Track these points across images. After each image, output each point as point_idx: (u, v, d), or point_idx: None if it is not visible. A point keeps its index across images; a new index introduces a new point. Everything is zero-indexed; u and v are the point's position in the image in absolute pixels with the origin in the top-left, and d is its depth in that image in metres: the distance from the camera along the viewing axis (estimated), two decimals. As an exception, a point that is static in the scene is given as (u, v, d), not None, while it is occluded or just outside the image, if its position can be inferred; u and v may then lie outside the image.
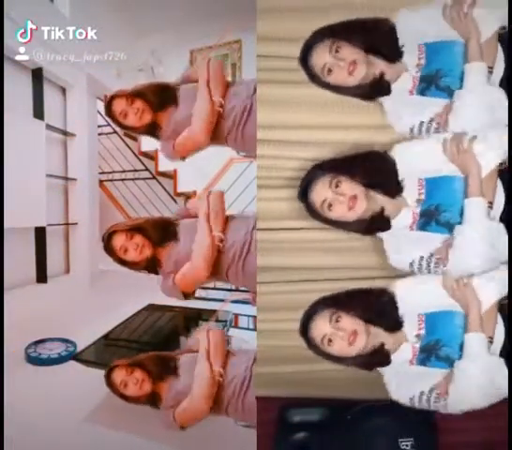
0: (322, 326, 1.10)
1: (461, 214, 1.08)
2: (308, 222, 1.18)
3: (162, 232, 1.34)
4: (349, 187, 1.07)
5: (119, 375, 1.39)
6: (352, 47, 1.08)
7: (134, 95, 1.34)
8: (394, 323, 1.12)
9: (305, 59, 1.12)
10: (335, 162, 1.11)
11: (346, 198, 1.06)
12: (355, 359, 1.11)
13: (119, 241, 1.31)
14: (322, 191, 1.08)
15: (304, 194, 1.11)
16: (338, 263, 1.26)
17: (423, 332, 1.11)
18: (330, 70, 1.09)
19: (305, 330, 1.13)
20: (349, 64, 1.08)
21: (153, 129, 1.40)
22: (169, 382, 1.37)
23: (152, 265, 1.36)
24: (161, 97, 1.36)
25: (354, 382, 1.29)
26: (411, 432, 1.22)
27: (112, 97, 1.36)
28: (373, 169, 1.10)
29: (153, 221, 1.37)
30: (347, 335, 1.08)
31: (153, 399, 1.40)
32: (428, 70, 1.11)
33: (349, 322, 1.09)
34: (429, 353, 1.11)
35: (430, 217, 1.10)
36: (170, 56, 4.80)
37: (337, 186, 1.07)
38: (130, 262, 1.34)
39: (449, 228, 1.09)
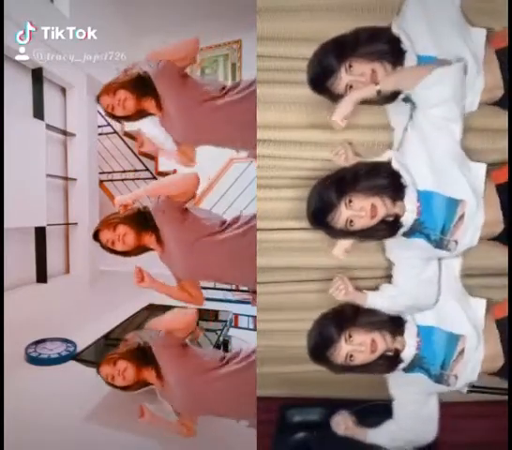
0: (340, 349, 1.12)
1: (443, 231, 1.10)
2: (308, 223, 1.17)
3: (142, 218, 1.38)
4: (363, 200, 1.07)
5: (105, 370, 1.43)
6: (361, 59, 1.09)
7: (115, 87, 1.38)
8: (395, 328, 1.16)
9: (320, 84, 1.13)
10: (337, 181, 1.11)
11: (366, 211, 1.07)
12: (378, 365, 1.14)
13: (105, 236, 1.36)
14: (341, 215, 1.08)
15: (320, 220, 1.11)
16: (338, 264, 1.26)
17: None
18: (351, 86, 1.10)
19: (322, 357, 1.15)
20: (370, 76, 1.09)
21: (145, 114, 1.45)
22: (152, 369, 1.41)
23: (143, 249, 1.42)
24: (139, 84, 1.39)
25: (354, 382, 1.29)
26: (411, 432, 1.22)
27: (99, 97, 1.41)
28: (374, 177, 1.10)
29: (132, 211, 1.40)
30: (368, 347, 1.12)
31: (143, 385, 1.44)
32: None
33: (363, 334, 1.12)
34: (414, 366, 1.17)
35: (415, 229, 1.12)
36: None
37: (350, 201, 1.07)
38: (122, 252, 1.39)
39: (427, 238, 1.12)
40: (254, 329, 2.78)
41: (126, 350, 1.44)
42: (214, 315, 2.64)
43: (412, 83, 1.07)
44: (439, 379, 1.15)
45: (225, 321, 2.46)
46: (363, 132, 1.20)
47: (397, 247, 1.18)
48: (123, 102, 1.37)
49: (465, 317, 1.15)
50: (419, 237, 1.12)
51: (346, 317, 1.16)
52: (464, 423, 1.18)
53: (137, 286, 1.47)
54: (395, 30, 1.10)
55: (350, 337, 1.12)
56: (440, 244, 1.12)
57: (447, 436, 1.21)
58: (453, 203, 1.10)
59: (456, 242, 1.11)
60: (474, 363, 1.14)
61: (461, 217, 1.09)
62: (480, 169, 1.12)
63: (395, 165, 1.10)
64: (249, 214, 1.33)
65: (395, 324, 1.16)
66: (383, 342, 1.12)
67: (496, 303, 1.19)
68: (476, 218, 1.10)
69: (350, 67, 1.09)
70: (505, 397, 1.13)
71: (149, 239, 1.38)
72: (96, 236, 1.39)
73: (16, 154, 2.90)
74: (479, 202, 1.10)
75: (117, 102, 1.37)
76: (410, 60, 1.10)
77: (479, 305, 1.17)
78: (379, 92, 1.09)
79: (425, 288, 1.17)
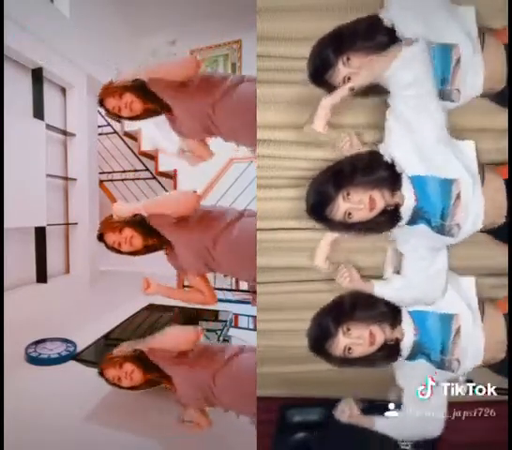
0: (338, 342, 1.13)
1: (442, 215, 1.10)
2: (308, 222, 1.17)
3: (145, 223, 1.38)
4: (361, 194, 1.07)
5: (110, 372, 1.43)
6: (359, 52, 1.09)
7: (121, 90, 1.39)
8: (394, 319, 1.16)
9: (318, 77, 1.13)
10: (334, 175, 1.11)
11: (365, 204, 1.07)
12: (378, 357, 1.15)
13: (110, 238, 1.38)
14: (339, 208, 1.08)
15: (319, 213, 1.12)
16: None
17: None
18: (349, 78, 1.10)
19: (321, 349, 1.15)
20: None
21: (152, 114, 1.47)
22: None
23: (151, 250, 1.43)
24: (144, 88, 1.39)
25: (354, 382, 1.29)
26: (411, 432, 1.22)
27: (102, 99, 1.42)
28: (372, 170, 1.10)
29: (136, 218, 1.40)
30: (366, 340, 1.12)
31: (151, 385, 1.45)
32: None
33: (361, 327, 1.13)
34: (416, 353, 1.17)
35: (416, 216, 1.12)
36: (170, 56, 4.80)
37: (348, 194, 1.08)
38: (129, 253, 1.41)
39: (429, 224, 1.12)
40: (254, 329, 2.78)
41: (132, 354, 1.43)
42: (214, 315, 2.64)
43: (382, 72, 1.06)
44: (441, 365, 1.15)
45: (225, 321, 2.46)
46: (362, 132, 1.20)
47: (403, 238, 1.18)
48: (130, 105, 1.39)
49: (456, 296, 1.15)
50: (421, 223, 1.12)
51: (344, 310, 1.16)
52: (464, 423, 1.17)
53: (138, 289, 1.47)
54: (386, 20, 1.10)
55: (348, 330, 1.12)
56: (441, 229, 1.11)
57: (447, 436, 1.20)
58: (447, 184, 1.09)
59: (458, 226, 1.11)
60: (474, 344, 1.14)
61: (458, 196, 1.09)
62: (469, 146, 1.12)
63: (386, 156, 1.10)
64: (253, 210, 1.35)
65: (393, 315, 1.16)
66: (381, 334, 1.13)
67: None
68: (476, 199, 1.10)
69: (348, 60, 1.09)
70: (505, 397, 1.13)
71: (154, 241, 1.40)
72: (100, 238, 1.40)
73: (16, 154, 2.90)
74: (475, 180, 1.10)
75: (124, 105, 1.39)
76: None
77: (469, 283, 1.18)
78: (352, 89, 1.09)
79: (433, 282, 1.17)
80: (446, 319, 1.15)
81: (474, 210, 1.11)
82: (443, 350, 1.15)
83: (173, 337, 1.46)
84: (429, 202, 1.10)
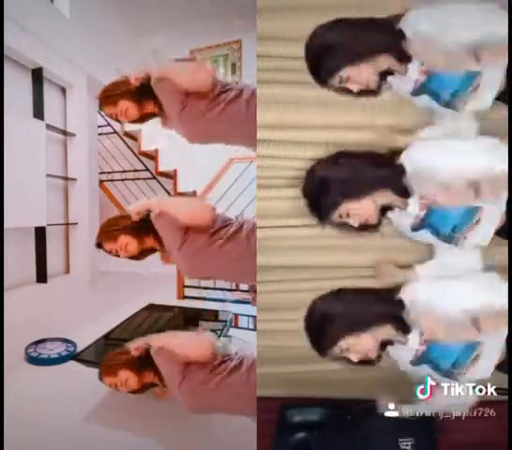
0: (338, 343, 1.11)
1: (453, 230, 1.10)
2: (308, 221, 1.18)
3: (143, 223, 1.40)
4: (361, 208, 1.09)
5: (108, 380, 1.47)
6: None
7: (116, 98, 1.42)
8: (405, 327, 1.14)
9: (317, 71, 1.13)
10: (341, 184, 1.11)
11: (363, 214, 1.09)
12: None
13: (107, 246, 1.42)
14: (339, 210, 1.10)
15: (317, 209, 1.13)
16: (338, 262, 1.26)
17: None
18: (348, 78, 1.10)
19: (319, 347, 1.15)
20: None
21: (149, 117, 1.50)
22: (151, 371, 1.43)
23: (149, 252, 1.46)
24: (139, 91, 1.42)
25: (354, 382, 1.29)
26: (411, 432, 1.22)
27: (102, 106, 1.46)
28: (381, 172, 1.11)
29: (132, 220, 1.41)
30: (364, 350, 1.11)
31: (148, 388, 1.48)
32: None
33: (364, 341, 1.12)
34: (421, 361, 1.15)
35: (424, 225, 1.12)
36: (170, 56, 4.80)
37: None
38: (128, 258, 1.44)
39: (437, 235, 1.12)
40: (254, 329, 2.79)
41: (126, 358, 1.45)
42: (214, 315, 2.65)
43: None
44: (447, 374, 1.14)
45: (225, 321, 2.46)
46: (362, 132, 1.20)
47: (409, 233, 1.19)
48: (125, 112, 1.43)
49: None
50: (427, 231, 1.13)
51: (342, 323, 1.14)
52: (464, 423, 1.17)
53: (138, 289, 1.48)
54: (402, 26, 1.09)
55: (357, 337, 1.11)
56: (448, 239, 1.12)
57: (447, 436, 1.21)
58: (471, 210, 1.09)
59: (465, 238, 1.12)
60: (488, 365, 1.13)
61: (478, 221, 1.10)
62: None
63: (407, 163, 1.10)
64: (252, 220, 1.36)
65: (396, 319, 1.14)
66: (375, 352, 1.12)
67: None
68: (493, 222, 1.10)
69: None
70: (505, 397, 1.13)
71: (152, 242, 1.41)
72: (98, 246, 1.43)
73: (16, 154, 2.91)
74: (501, 208, 1.09)
75: (120, 112, 1.43)
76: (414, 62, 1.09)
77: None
78: None
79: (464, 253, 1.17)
80: (471, 344, 1.12)
81: (486, 230, 1.11)
82: (454, 364, 1.13)
83: (187, 346, 1.44)
84: (442, 217, 1.10)
